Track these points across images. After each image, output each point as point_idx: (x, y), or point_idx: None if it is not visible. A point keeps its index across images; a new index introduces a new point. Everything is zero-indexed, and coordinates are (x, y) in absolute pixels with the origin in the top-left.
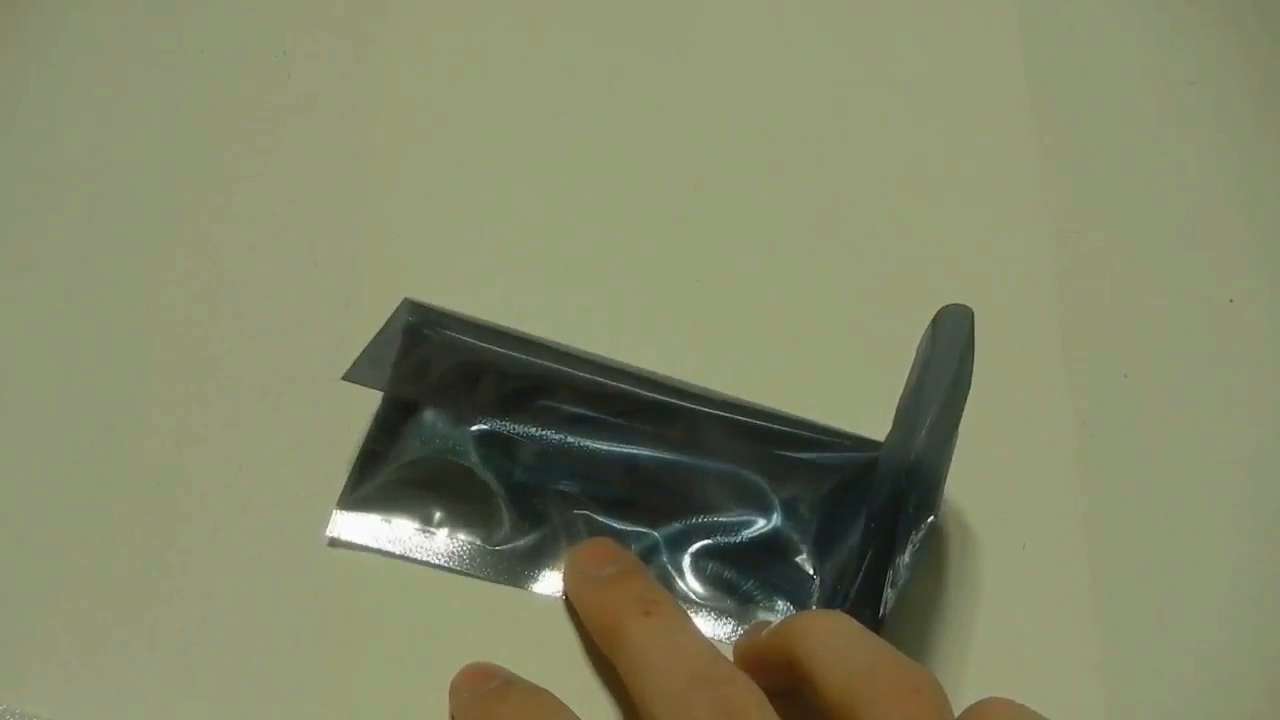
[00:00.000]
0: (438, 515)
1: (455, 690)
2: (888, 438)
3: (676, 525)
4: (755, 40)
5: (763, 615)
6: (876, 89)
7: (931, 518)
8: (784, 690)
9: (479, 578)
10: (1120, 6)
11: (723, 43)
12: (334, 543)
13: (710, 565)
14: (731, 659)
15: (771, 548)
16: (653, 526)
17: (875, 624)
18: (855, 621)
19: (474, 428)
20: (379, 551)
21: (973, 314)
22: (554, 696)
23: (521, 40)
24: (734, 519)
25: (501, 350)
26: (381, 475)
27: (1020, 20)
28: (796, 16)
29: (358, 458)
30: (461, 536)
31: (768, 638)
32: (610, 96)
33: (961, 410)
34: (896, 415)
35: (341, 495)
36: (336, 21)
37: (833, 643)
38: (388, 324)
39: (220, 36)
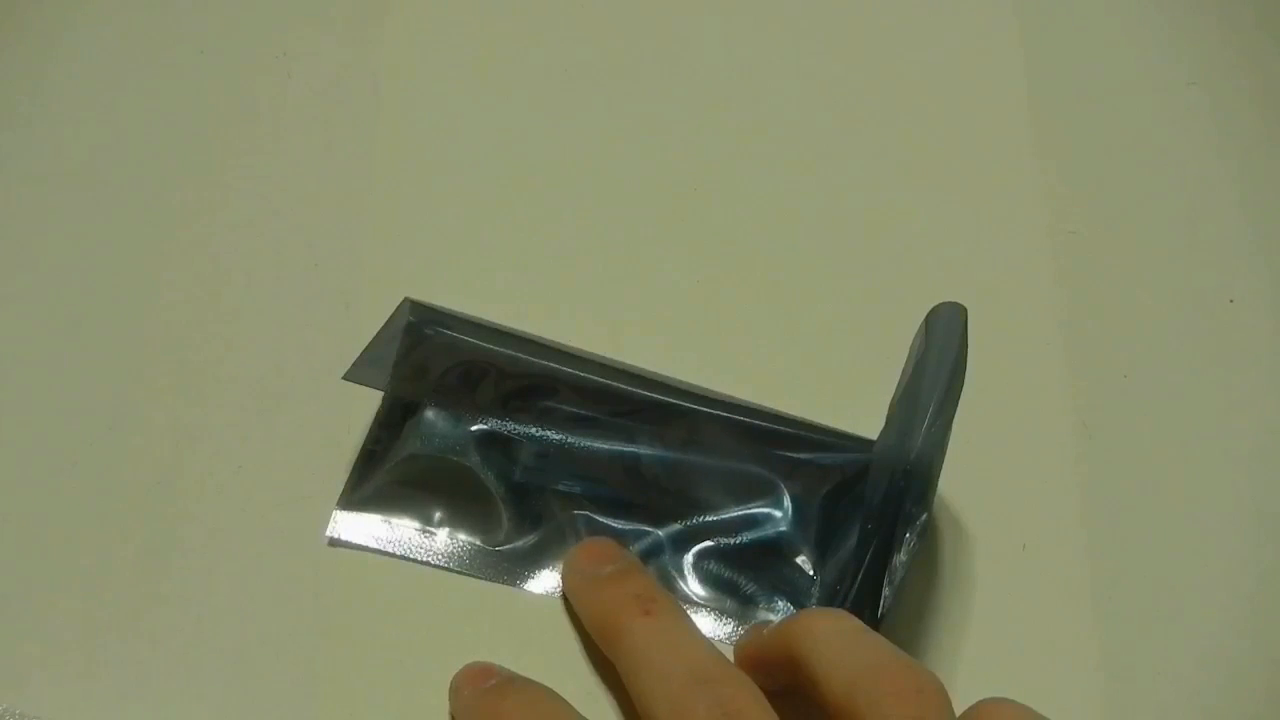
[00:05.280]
0: (438, 516)
1: (456, 689)
2: (881, 436)
3: (677, 526)
4: (755, 41)
5: (763, 616)
6: (876, 90)
7: (925, 515)
8: (785, 690)
9: (479, 578)
10: (1120, 6)
11: (722, 43)
12: (334, 543)
13: (711, 566)
14: (732, 659)
15: (772, 548)
16: (653, 527)
17: (874, 623)
18: (857, 620)
19: (474, 428)
20: (379, 552)
21: (966, 311)
22: (554, 692)
23: (521, 40)
24: (735, 519)
25: (502, 350)
26: (382, 475)
27: (1020, 20)
28: (796, 16)
29: (358, 458)
30: (462, 537)
31: (769, 637)
32: (610, 97)
33: (955, 408)
34: (890, 414)
35: (341, 495)
36: (336, 22)
37: (835, 642)
38: (388, 324)
39: (220, 36)
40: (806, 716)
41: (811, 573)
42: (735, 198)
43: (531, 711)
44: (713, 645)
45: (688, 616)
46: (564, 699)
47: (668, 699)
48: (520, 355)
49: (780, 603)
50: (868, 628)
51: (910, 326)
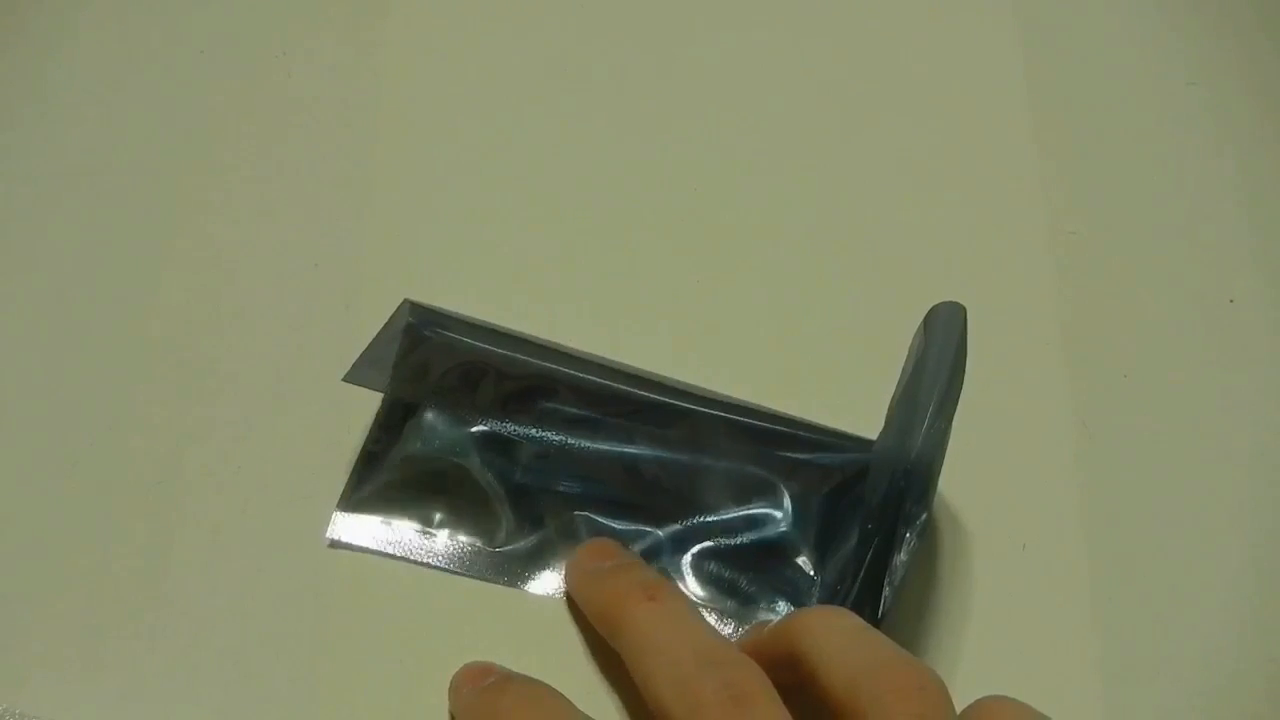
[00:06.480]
0: (438, 517)
1: (455, 688)
2: (881, 435)
3: (677, 526)
4: (754, 41)
5: (763, 616)
6: (875, 89)
7: (925, 514)
8: (786, 688)
9: (479, 579)
10: (1120, 7)
11: (721, 43)
12: (334, 544)
13: (711, 566)
14: None
15: (772, 549)
16: (653, 527)
17: (875, 622)
18: (858, 618)
19: (474, 429)
20: (379, 553)
21: (965, 310)
22: (553, 689)
23: (522, 41)
24: (735, 520)
25: (502, 351)
26: (382, 476)
27: (1020, 20)
28: (795, 17)
29: (358, 459)
30: (462, 538)
31: (769, 635)
32: (610, 98)
33: (955, 407)
34: (890, 413)
35: (342, 497)
36: (336, 21)
37: (836, 639)
38: (388, 325)
39: (220, 36)
40: (809, 714)
41: (812, 573)
42: (735, 198)
43: (531, 707)
44: (717, 631)
45: (691, 602)
46: (563, 696)
47: (674, 681)
48: (520, 356)
49: (780, 603)
50: (868, 625)
51: (910, 326)
